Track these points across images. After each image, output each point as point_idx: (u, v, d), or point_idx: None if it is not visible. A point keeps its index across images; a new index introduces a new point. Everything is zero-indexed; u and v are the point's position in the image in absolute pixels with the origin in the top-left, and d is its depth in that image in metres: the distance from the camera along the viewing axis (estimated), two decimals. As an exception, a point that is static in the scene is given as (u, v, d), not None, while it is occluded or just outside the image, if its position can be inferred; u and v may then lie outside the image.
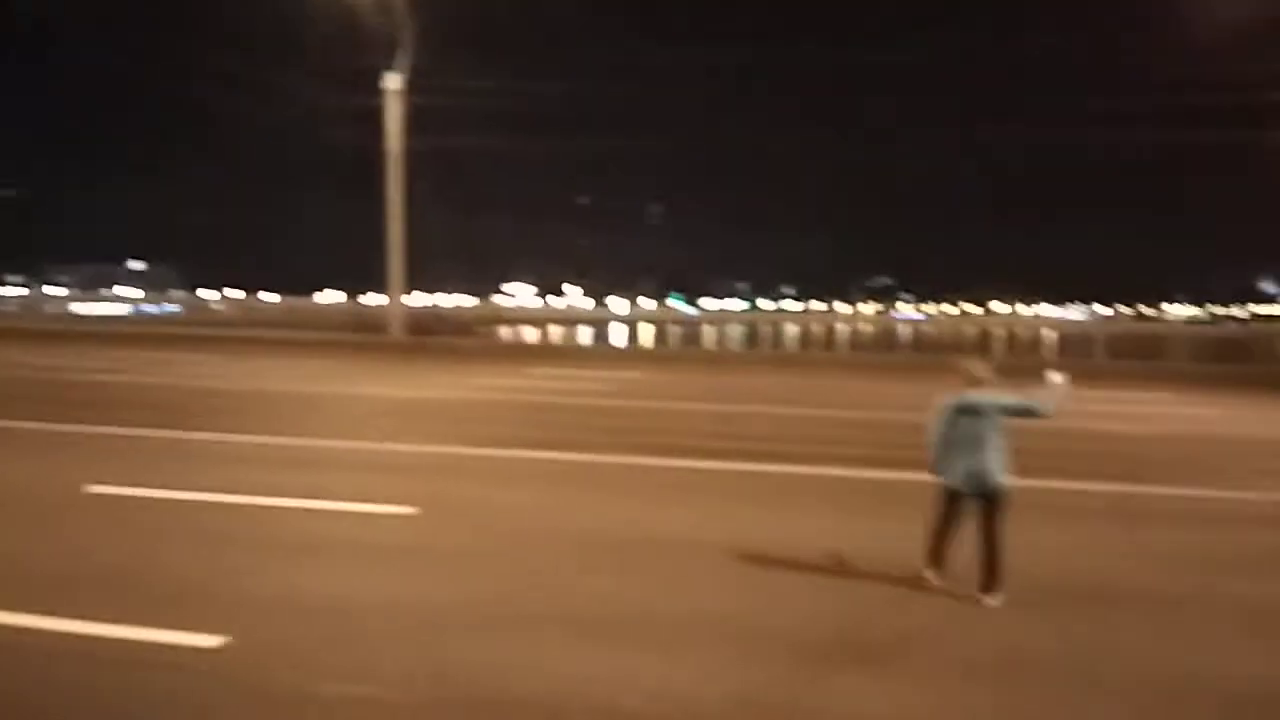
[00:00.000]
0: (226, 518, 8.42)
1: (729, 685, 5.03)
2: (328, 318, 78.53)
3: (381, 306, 40.48)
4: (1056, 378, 6.43)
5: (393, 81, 31.38)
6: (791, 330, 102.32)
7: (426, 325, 44.63)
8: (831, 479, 10.78)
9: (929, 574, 6.72)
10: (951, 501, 6.62)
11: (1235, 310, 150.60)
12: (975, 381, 6.51)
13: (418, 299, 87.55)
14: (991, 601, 6.36)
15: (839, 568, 7.16)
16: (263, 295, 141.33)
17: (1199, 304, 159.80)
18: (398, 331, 33.64)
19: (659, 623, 5.93)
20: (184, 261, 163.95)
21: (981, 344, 67.81)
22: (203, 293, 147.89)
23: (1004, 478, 6.39)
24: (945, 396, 6.61)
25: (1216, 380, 25.89)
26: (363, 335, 37.30)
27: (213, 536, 7.79)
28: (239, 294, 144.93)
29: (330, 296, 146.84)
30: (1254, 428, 16.49)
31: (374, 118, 31.71)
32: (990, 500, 6.41)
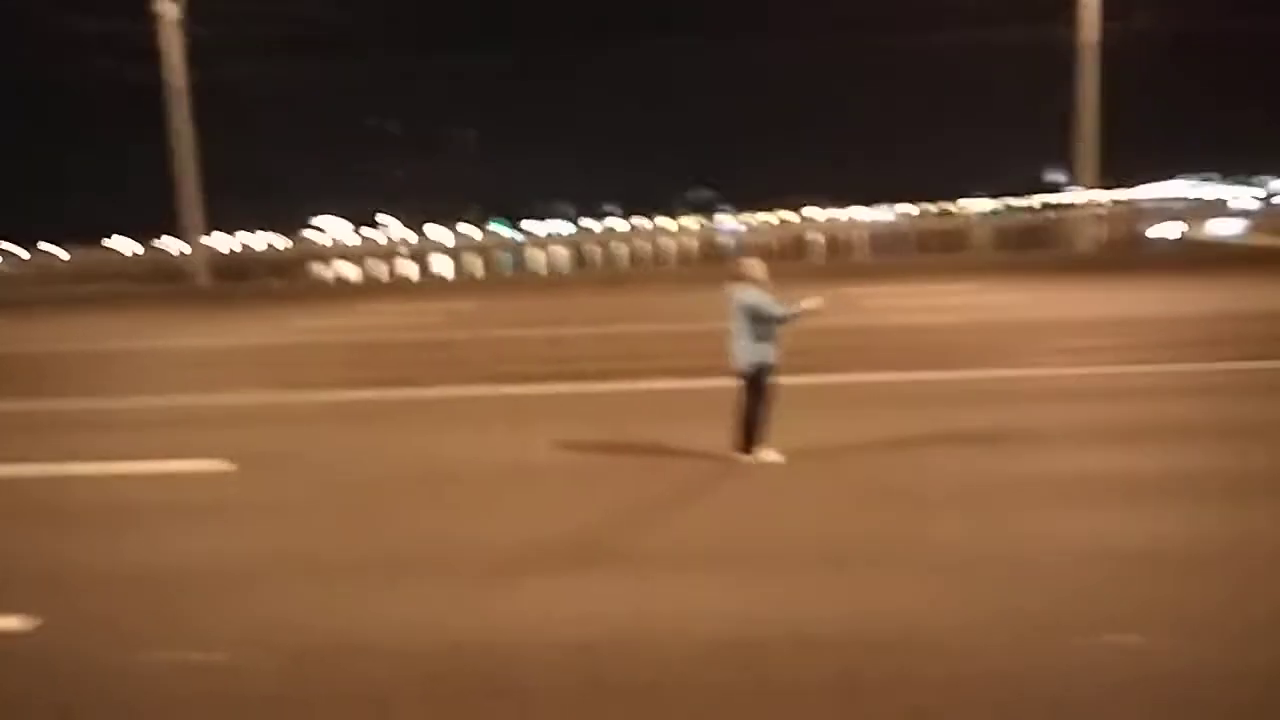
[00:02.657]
0: (26, 491, 7.84)
1: (573, 607, 5.10)
2: (125, 268, 73.21)
3: (183, 253, 38.03)
4: (811, 302, 7.42)
5: (167, 8, 28.97)
6: (619, 249, 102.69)
7: (234, 269, 42.32)
8: (660, 392, 10.98)
9: (739, 455, 7.52)
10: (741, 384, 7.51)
11: (1029, 201, 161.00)
12: (747, 278, 7.39)
13: (221, 241, 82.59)
14: (745, 458, 7.45)
15: (658, 471, 7.34)
16: (48, 248, 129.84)
17: (994, 197, 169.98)
18: (203, 278, 31.77)
19: (489, 554, 5.92)
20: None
21: (798, 249, 70.10)
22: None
23: (745, 361, 7.37)
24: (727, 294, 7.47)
25: (1014, 268, 27.76)
26: (165, 285, 35.04)
27: (12, 512, 7.25)
28: (19, 250, 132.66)
29: (123, 244, 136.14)
30: (1048, 310, 17.81)
31: (154, 49, 29.32)
32: (744, 379, 7.41)
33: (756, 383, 7.42)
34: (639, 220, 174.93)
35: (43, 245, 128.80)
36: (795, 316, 7.37)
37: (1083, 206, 36.62)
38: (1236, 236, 50.00)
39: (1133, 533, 5.82)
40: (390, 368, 13.90)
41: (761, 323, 7.32)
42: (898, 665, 4.29)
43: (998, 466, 7.40)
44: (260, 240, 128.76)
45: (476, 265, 71.11)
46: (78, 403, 11.84)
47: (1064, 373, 11.42)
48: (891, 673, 4.23)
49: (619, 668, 4.38)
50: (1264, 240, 41.68)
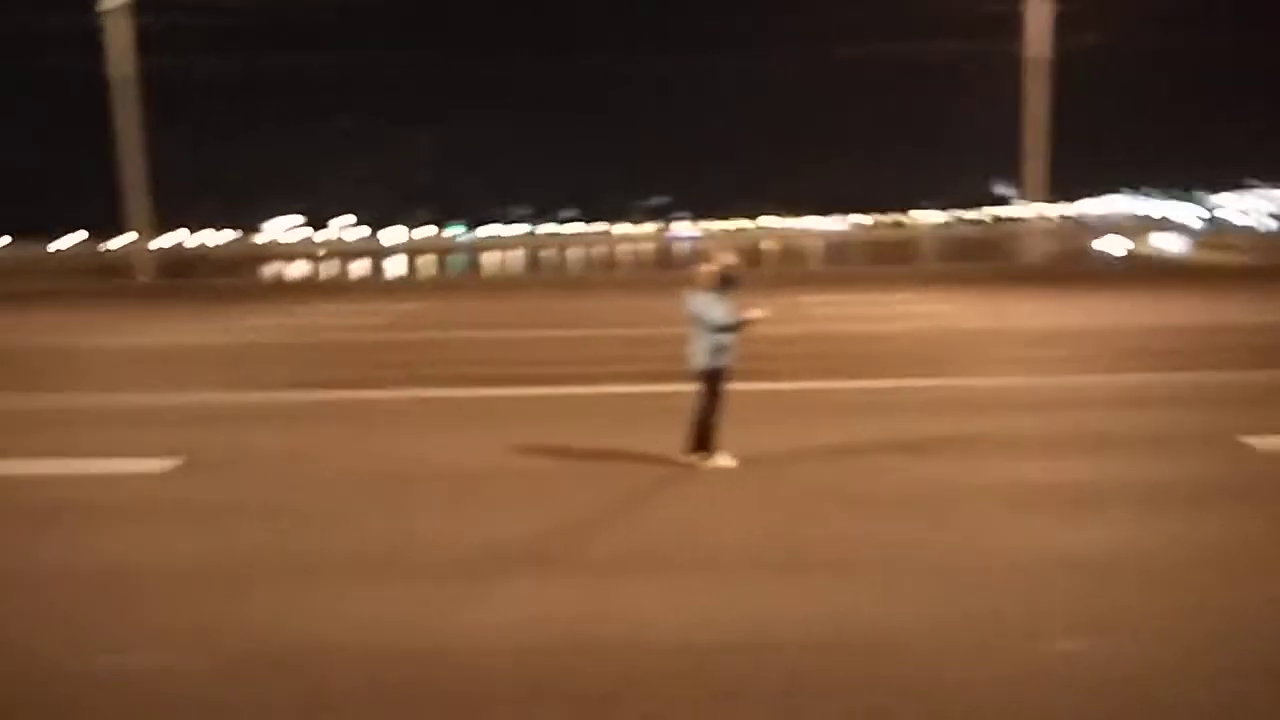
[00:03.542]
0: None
1: (523, 611, 5.04)
2: (65, 264, 71.46)
3: (126, 249, 37.23)
4: (755, 312, 7.52)
5: (115, -2, 28.42)
6: (575, 253, 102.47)
7: (180, 267, 41.55)
8: (613, 396, 10.94)
9: (690, 459, 7.54)
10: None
11: (976, 214, 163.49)
12: (698, 283, 7.46)
13: (169, 239, 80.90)
14: (697, 462, 7.46)
15: (611, 475, 7.30)
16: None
17: (942, 209, 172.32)
18: (147, 275, 31.13)
19: (441, 557, 5.84)
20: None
21: (753, 256, 70.54)
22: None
23: (699, 365, 7.40)
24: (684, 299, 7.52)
25: (964, 279, 28.14)
26: (107, 281, 34.26)
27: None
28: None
29: (69, 241, 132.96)
30: (997, 320, 18.06)
31: (97, 39, 28.68)
32: (698, 381, 7.44)
33: (710, 386, 7.43)
34: (596, 225, 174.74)
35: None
36: (739, 326, 7.42)
37: (1030, 220, 37.30)
38: (1179, 252, 51.26)
39: (1084, 540, 5.90)
40: (341, 368, 13.71)
41: (710, 329, 7.35)
42: (851, 668, 4.30)
43: (949, 473, 7.47)
44: (210, 238, 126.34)
45: (431, 266, 70.52)
46: (15, 399, 11.50)
47: (1013, 382, 11.58)
48: (845, 675, 4.23)
49: (569, 672, 4.33)
50: (1206, 256, 42.81)
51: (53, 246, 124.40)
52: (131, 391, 11.93)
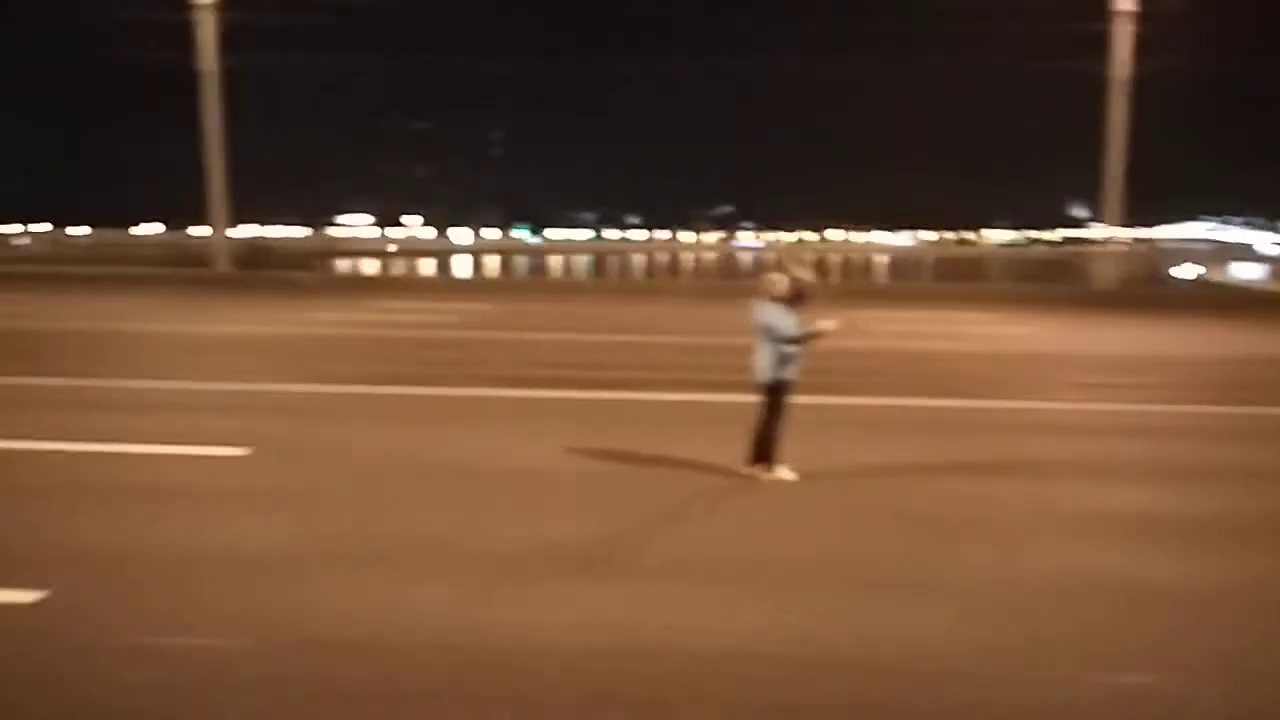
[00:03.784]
0: (45, 467, 7.87)
1: (576, 614, 5.07)
2: (147, 252, 73.67)
3: (205, 239, 38.33)
4: (826, 324, 7.33)
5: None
6: (637, 259, 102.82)
7: (256, 258, 42.58)
8: (674, 403, 10.95)
9: (751, 470, 7.48)
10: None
11: (1048, 234, 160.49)
12: (769, 294, 7.40)
13: (246, 231, 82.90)
14: (758, 474, 7.43)
15: (670, 482, 7.31)
16: (73, 230, 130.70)
17: (1016, 229, 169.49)
18: (224, 265, 31.94)
19: (498, 555, 5.90)
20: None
21: (818, 269, 70.11)
22: (4, 229, 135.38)
23: (764, 377, 7.33)
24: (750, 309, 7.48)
25: (1032, 300, 27.63)
26: (186, 270, 35.23)
27: (29, 487, 7.27)
28: (46, 227, 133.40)
29: (149, 229, 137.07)
30: (1066, 344, 17.72)
31: (188, 34, 29.54)
32: (761, 392, 7.38)
33: (774, 399, 7.39)
34: (660, 232, 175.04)
35: (72, 229, 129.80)
36: (809, 337, 7.34)
37: (1104, 242, 36.46)
38: (1258, 281, 49.67)
39: (1149, 571, 5.76)
40: (407, 365, 13.92)
41: (779, 340, 7.30)
42: (909, 691, 4.24)
43: (1015, 496, 7.34)
44: (285, 232, 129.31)
45: (495, 268, 71.29)
46: (97, 382, 11.89)
47: (1083, 407, 11.34)
48: (902, 699, 4.19)
49: (620, 678, 4.35)
50: (1287, 286, 41.40)
51: (135, 233, 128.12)
52: (209, 378, 12.26)
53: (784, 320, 7.29)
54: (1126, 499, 7.38)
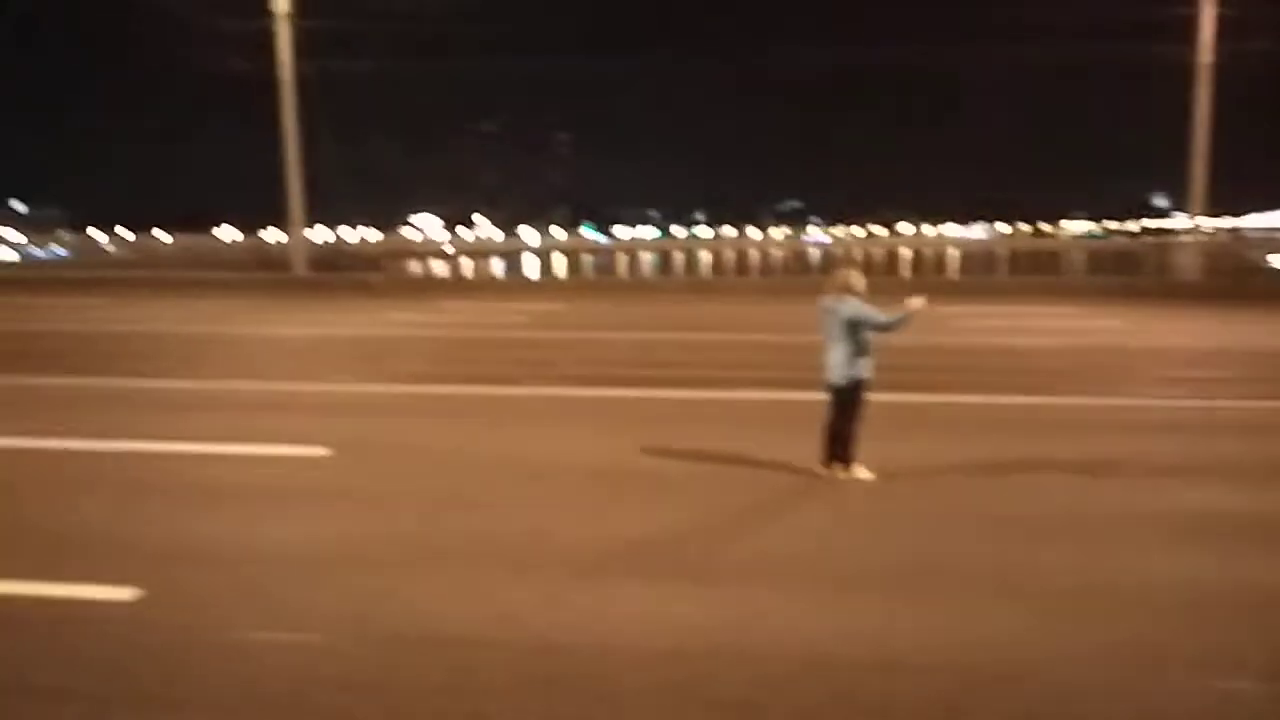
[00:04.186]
0: (134, 466, 8.13)
1: (655, 613, 5.07)
2: (227, 255, 75.73)
3: (283, 243, 39.21)
4: (915, 302, 7.04)
5: (281, 3, 29.96)
6: (705, 257, 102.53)
7: (332, 261, 43.47)
8: (747, 401, 10.90)
9: (827, 470, 7.39)
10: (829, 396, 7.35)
11: (1129, 225, 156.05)
12: (848, 289, 7.18)
13: (321, 234, 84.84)
14: (833, 474, 7.31)
15: (746, 481, 7.27)
16: (156, 233, 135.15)
17: (1095, 220, 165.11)
18: (301, 268, 32.69)
19: (576, 554, 5.93)
20: (70, 201, 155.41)
21: (889, 264, 69.07)
22: (92, 233, 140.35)
23: (838, 375, 7.17)
24: (820, 302, 7.35)
25: (1111, 293, 26.89)
26: (265, 273, 36.15)
27: (121, 485, 7.53)
28: (130, 234, 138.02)
29: (229, 233, 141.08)
30: (1151, 338, 17.20)
31: (266, 43, 30.31)
32: (832, 393, 7.23)
33: (851, 397, 7.25)
34: (727, 229, 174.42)
35: (154, 231, 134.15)
36: (902, 321, 7.11)
37: (1187, 232, 35.27)
38: None
39: (1247, 575, 5.55)
40: (480, 364, 14.09)
41: (862, 335, 7.14)
42: (996, 696, 4.16)
43: (1102, 496, 7.14)
44: (359, 234, 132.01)
45: (563, 267, 71.75)
46: (180, 383, 12.27)
47: (1172, 404, 10.99)
48: (989, 703, 4.10)
49: (707, 678, 4.33)
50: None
51: (217, 237, 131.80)
52: (288, 379, 12.56)
53: (872, 311, 7.15)
54: (1223, 499, 7.11)
